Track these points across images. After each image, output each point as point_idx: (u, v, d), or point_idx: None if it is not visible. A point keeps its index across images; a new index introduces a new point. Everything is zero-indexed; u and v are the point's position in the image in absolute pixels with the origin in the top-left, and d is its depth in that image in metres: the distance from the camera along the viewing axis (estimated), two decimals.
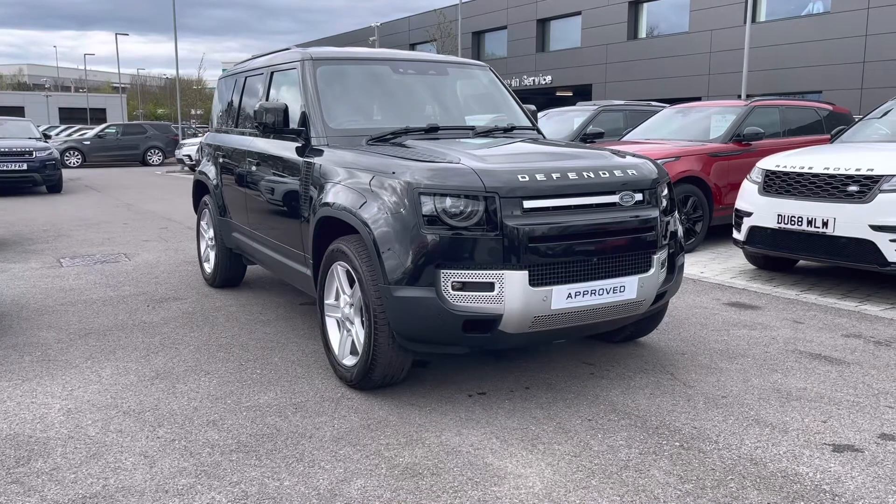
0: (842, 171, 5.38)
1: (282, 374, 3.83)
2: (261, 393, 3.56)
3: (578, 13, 30.90)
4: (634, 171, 3.49)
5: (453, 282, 3.10)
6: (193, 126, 41.86)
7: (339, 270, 3.61)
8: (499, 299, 3.10)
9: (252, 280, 6.17)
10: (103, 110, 57.11)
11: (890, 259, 5.09)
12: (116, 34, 48.31)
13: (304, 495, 2.58)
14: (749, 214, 6.02)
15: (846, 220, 5.27)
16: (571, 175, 3.30)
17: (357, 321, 3.53)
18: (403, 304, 3.15)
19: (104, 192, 15.64)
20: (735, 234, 6.30)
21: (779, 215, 5.73)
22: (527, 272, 3.10)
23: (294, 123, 4.29)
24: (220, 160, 5.58)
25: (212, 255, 5.94)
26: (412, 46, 39.39)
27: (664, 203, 3.60)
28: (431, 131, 4.14)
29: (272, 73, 4.83)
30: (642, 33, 29.35)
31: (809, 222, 5.51)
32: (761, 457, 2.86)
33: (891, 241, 5.06)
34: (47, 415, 3.29)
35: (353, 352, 3.59)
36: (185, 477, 2.71)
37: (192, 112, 60.08)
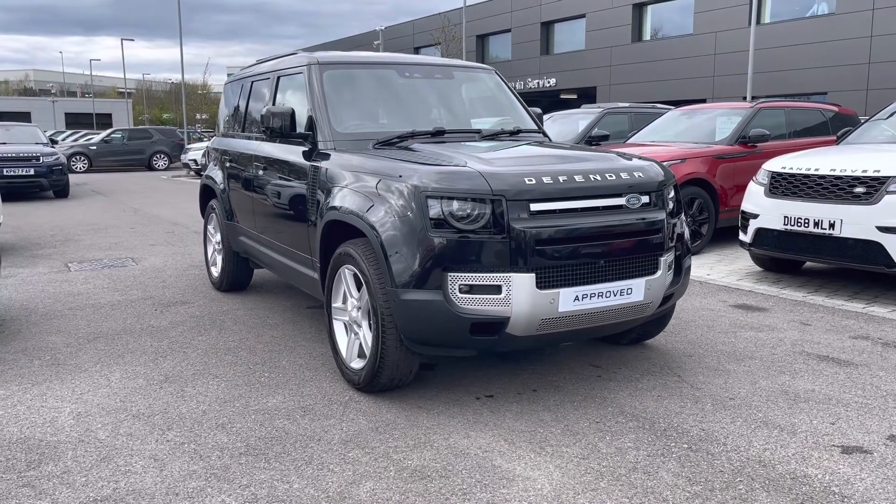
0: (848, 173, 5.37)
1: (290, 378, 3.84)
2: (269, 396, 3.58)
3: (582, 16, 30.92)
4: (640, 174, 3.50)
5: (460, 285, 3.11)
6: (199, 130, 42.02)
7: (346, 274, 3.62)
8: (506, 302, 3.10)
9: (259, 284, 6.19)
10: (109, 115, 57.34)
11: None
12: (122, 39, 48.70)
13: (313, 498, 2.59)
14: (755, 216, 6.02)
15: (853, 221, 5.26)
16: (578, 178, 3.31)
17: (364, 324, 3.54)
18: (411, 307, 3.16)
19: (111, 196, 15.71)
20: (741, 236, 6.28)
21: (785, 217, 5.72)
22: (534, 275, 3.11)
23: (301, 127, 4.31)
24: (227, 164, 5.60)
25: (219, 258, 5.96)
26: (416, 50, 39.47)
27: (670, 205, 3.60)
28: (438, 135, 4.16)
29: (278, 77, 4.85)
30: (647, 35, 29.33)
31: (816, 224, 5.50)
32: (770, 458, 2.86)
33: None
34: (57, 418, 3.31)
35: (361, 355, 3.60)
36: (195, 480, 2.72)
37: (198, 117, 60.33)
